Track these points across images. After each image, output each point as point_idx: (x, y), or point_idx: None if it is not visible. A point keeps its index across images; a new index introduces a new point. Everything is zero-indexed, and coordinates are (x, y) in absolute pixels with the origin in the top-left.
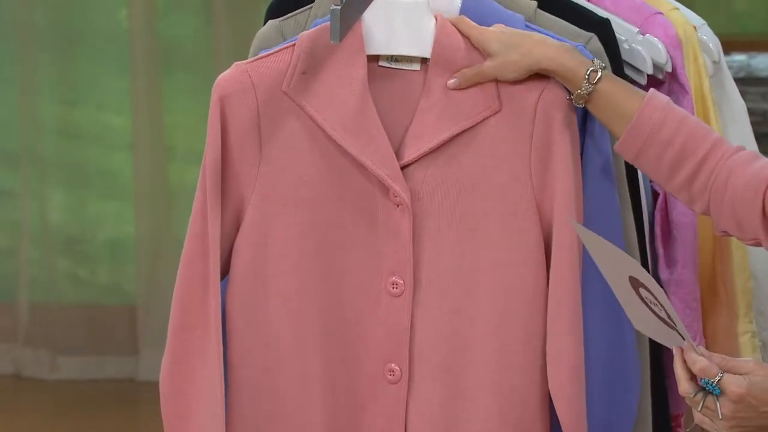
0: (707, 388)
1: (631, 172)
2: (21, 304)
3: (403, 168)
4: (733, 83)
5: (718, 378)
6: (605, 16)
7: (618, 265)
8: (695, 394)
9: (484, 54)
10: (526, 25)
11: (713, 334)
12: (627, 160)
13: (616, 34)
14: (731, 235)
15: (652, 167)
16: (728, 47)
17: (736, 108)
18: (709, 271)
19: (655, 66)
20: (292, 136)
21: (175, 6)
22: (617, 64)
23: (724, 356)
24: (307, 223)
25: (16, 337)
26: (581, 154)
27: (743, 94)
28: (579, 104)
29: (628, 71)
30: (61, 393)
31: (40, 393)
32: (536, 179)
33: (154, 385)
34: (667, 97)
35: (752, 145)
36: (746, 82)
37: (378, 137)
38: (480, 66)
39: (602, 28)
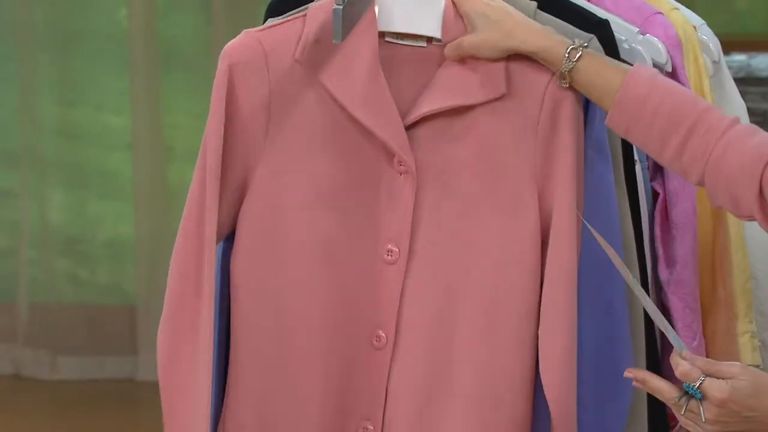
0: (690, 392)
1: (630, 172)
2: (21, 304)
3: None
4: (733, 83)
5: (699, 382)
6: (605, 17)
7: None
8: (679, 399)
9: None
10: None
11: (713, 334)
12: (619, 135)
13: (616, 34)
14: (727, 210)
15: (644, 141)
16: (728, 47)
17: (736, 108)
18: (709, 272)
19: (656, 66)
20: (304, 104)
21: (175, 6)
22: None
23: (708, 360)
24: (316, 191)
25: (16, 337)
26: None
27: (743, 94)
28: (563, 84)
29: None
30: (60, 393)
31: (39, 393)
32: (539, 166)
33: (153, 385)
34: (654, 69)
35: None
36: (746, 82)
37: (388, 107)
38: (459, 41)
39: (601, 29)
